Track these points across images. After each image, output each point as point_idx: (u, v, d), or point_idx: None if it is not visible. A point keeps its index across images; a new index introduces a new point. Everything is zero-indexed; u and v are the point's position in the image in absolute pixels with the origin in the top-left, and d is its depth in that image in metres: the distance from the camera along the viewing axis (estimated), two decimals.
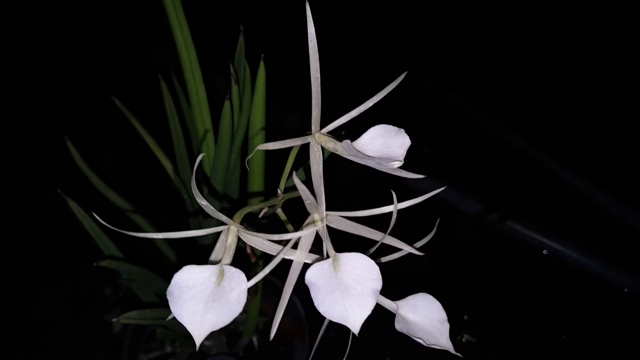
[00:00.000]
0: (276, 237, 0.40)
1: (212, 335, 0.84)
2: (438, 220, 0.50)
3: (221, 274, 0.39)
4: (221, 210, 0.56)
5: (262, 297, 0.80)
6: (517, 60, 1.49)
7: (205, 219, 0.75)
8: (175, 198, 0.81)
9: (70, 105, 1.35)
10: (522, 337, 1.02)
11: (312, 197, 0.40)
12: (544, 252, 1.12)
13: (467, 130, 1.35)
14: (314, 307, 0.37)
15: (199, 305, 0.37)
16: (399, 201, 0.42)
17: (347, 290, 0.38)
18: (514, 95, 1.42)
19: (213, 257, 0.42)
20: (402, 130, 0.41)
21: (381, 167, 0.39)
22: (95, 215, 0.43)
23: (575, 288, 1.08)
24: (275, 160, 0.63)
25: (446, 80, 1.39)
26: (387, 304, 0.46)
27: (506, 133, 1.30)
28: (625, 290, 1.07)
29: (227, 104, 0.52)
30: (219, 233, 0.43)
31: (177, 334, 0.76)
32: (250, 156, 0.55)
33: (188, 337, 0.71)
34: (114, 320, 0.54)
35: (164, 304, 0.55)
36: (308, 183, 0.49)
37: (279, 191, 0.49)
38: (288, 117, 1.18)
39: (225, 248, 0.41)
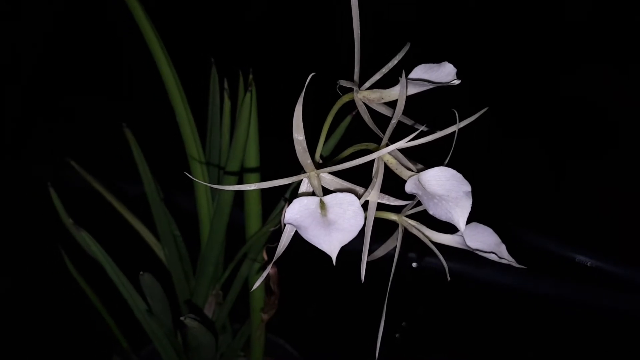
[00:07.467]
0: (355, 162, 0.42)
1: None
2: None
3: (322, 205, 0.40)
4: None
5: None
6: None
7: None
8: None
9: None
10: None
11: (398, 118, 0.43)
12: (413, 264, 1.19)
13: None
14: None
15: (320, 229, 0.39)
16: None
17: (442, 197, 0.41)
18: None
19: None
20: (445, 62, 0.47)
21: (442, 85, 0.44)
22: None
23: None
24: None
25: None
26: (458, 240, 0.50)
27: None
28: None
29: (247, 95, 0.54)
30: None
31: None
32: None
33: None
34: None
35: None
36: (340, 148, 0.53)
37: (320, 161, 0.52)
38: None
39: (312, 191, 0.43)
